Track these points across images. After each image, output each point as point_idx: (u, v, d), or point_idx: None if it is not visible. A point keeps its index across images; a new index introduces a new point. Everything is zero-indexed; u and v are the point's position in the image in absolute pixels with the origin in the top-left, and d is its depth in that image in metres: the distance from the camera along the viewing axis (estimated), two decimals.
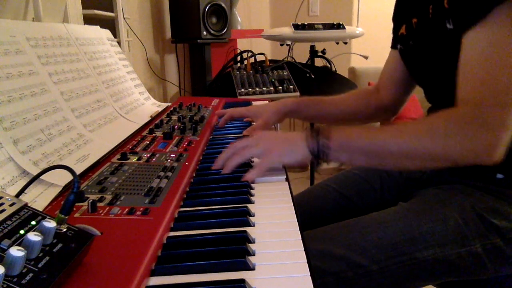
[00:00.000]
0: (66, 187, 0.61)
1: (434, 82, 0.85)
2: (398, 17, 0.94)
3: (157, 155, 0.77)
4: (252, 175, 0.70)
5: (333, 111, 1.07)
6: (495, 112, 0.63)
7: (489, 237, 0.71)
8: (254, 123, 1.02)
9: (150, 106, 1.22)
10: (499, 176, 0.75)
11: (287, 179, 0.72)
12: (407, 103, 1.05)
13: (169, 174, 0.68)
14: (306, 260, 0.46)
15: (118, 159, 0.75)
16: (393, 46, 1.00)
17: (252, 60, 1.79)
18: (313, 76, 1.76)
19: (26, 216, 0.41)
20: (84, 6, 1.37)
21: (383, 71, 1.06)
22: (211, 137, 0.99)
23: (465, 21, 0.67)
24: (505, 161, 0.75)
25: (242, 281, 0.42)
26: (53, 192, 0.59)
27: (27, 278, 0.34)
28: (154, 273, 0.45)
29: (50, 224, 0.39)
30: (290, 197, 0.64)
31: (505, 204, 0.73)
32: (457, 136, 0.64)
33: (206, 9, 2.15)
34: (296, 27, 1.94)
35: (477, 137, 0.63)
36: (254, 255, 0.48)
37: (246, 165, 0.74)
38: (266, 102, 1.41)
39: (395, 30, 0.95)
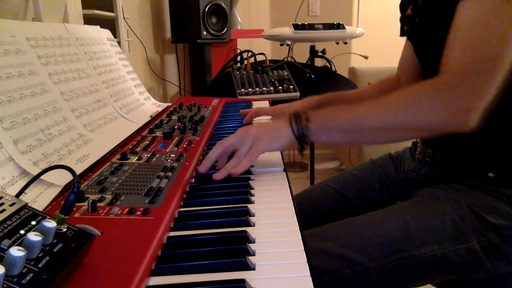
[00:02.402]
0: (66, 187, 0.61)
1: (435, 60, 0.85)
2: (405, 1, 0.94)
3: (157, 155, 0.77)
4: (243, 165, 0.70)
5: None
6: (472, 79, 0.62)
7: (485, 234, 0.71)
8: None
9: (150, 106, 1.22)
10: (491, 175, 0.76)
11: (287, 179, 0.72)
12: None
13: (169, 174, 0.68)
14: (306, 260, 0.46)
15: (118, 159, 0.75)
16: (402, 33, 1.00)
17: (252, 60, 1.78)
18: (313, 76, 1.76)
19: (26, 216, 0.41)
20: (84, 6, 1.36)
21: (400, 60, 1.06)
22: (211, 137, 0.99)
23: None
24: (495, 160, 0.75)
25: (242, 281, 0.42)
26: (53, 192, 0.59)
27: (27, 278, 0.34)
28: (154, 273, 0.45)
29: (50, 224, 0.39)
30: (290, 197, 0.64)
31: (500, 201, 0.73)
32: (430, 103, 0.64)
33: (206, 9, 2.15)
34: (296, 27, 1.94)
35: (452, 103, 0.63)
36: (254, 255, 0.48)
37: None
38: (267, 102, 1.41)
39: (402, 15, 0.96)
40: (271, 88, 1.56)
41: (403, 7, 0.96)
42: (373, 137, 0.71)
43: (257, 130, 0.74)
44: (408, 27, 0.93)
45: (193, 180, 0.72)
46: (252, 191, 0.67)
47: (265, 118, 1.15)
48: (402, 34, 1.00)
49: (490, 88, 0.62)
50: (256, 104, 1.36)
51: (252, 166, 0.76)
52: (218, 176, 0.70)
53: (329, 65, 2.14)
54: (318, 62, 2.12)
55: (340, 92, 1.10)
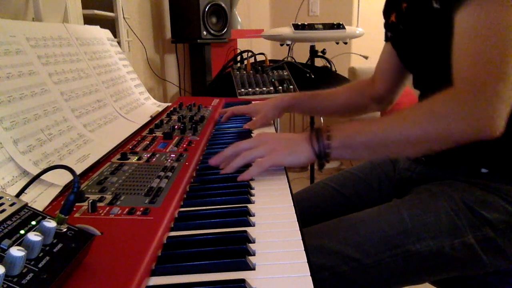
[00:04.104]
0: (66, 187, 0.61)
1: (423, 67, 0.86)
2: (388, 7, 0.95)
3: (157, 155, 0.77)
4: (253, 171, 0.70)
5: (328, 105, 1.10)
6: (490, 86, 0.63)
7: (481, 228, 0.71)
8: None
9: (150, 106, 1.22)
10: (484, 170, 0.76)
11: (287, 179, 0.72)
12: (401, 93, 1.08)
13: (169, 174, 0.68)
14: (306, 260, 0.46)
15: (118, 159, 0.75)
16: (386, 39, 1.02)
17: (252, 60, 1.78)
18: (313, 76, 1.76)
19: (26, 216, 0.41)
20: (84, 6, 1.36)
21: (377, 63, 1.08)
22: (211, 137, 0.99)
23: (451, 1, 0.67)
24: (488, 156, 0.76)
25: (242, 281, 0.42)
26: (53, 192, 0.59)
27: (27, 278, 0.34)
28: (154, 273, 0.45)
29: (50, 224, 0.39)
30: (290, 197, 0.64)
31: (494, 196, 0.74)
32: (456, 115, 0.65)
33: (206, 9, 2.15)
34: (296, 27, 1.94)
35: (476, 113, 0.64)
36: (254, 255, 0.48)
37: (247, 166, 0.74)
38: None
39: (386, 21, 0.97)
40: (271, 88, 1.56)
41: (386, 14, 0.97)
42: (399, 151, 0.71)
43: (275, 142, 0.74)
44: (392, 33, 0.94)
45: (193, 180, 0.72)
46: (252, 191, 0.67)
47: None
48: (386, 40, 1.02)
49: (509, 92, 0.62)
50: None
51: (251, 165, 0.76)
52: (226, 170, 0.72)
53: (329, 65, 2.14)
54: (318, 62, 2.12)
55: (315, 91, 1.12)
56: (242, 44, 2.69)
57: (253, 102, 1.37)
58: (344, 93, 1.11)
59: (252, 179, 0.72)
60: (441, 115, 0.66)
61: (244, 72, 1.65)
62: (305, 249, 0.49)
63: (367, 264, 0.70)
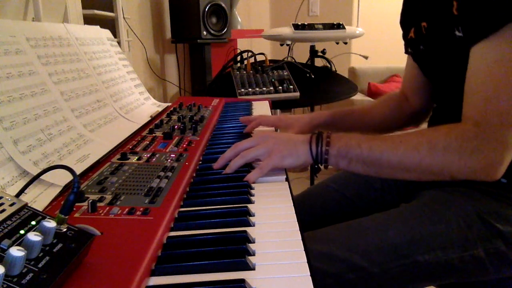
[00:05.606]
0: (66, 187, 0.61)
1: (444, 84, 0.85)
2: (406, 21, 0.93)
3: (157, 155, 0.77)
4: (253, 176, 0.70)
5: (367, 121, 1.06)
6: (496, 131, 0.62)
7: (492, 241, 0.70)
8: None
9: (150, 106, 1.22)
10: (503, 180, 0.74)
11: (287, 179, 0.72)
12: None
13: (169, 174, 0.68)
14: (306, 260, 0.46)
15: (118, 159, 0.75)
16: (406, 51, 0.98)
17: (252, 60, 1.78)
18: (313, 76, 1.76)
19: (26, 216, 0.41)
20: (84, 6, 1.37)
21: (404, 78, 1.05)
22: (211, 137, 0.99)
23: (475, 33, 0.66)
24: (509, 166, 0.74)
25: (242, 281, 0.42)
26: (53, 192, 0.59)
27: (27, 278, 0.34)
28: (154, 273, 0.45)
29: (50, 224, 0.39)
30: (290, 197, 0.64)
31: (509, 208, 0.72)
32: (456, 152, 0.64)
33: (206, 9, 2.15)
34: (296, 27, 1.94)
35: (477, 155, 0.63)
36: (254, 255, 0.48)
37: (247, 165, 0.75)
38: (267, 102, 1.41)
39: (405, 35, 0.94)
40: (271, 88, 1.56)
41: (404, 27, 0.94)
42: (392, 173, 0.71)
43: (275, 142, 0.74)
44: (412, 50, 0.92)
45: (193, 180, 0.73)
46: (252, 191, 0.67)
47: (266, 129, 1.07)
48: (406, 52, 0.98)
49: None
50: (256, 105, 1.36)
51: (252, 166, 0.76)
52: (227, 171, 0.72)
53: (329, 65, 2.14)
54: (318, 62, 2.12)
55: (350, 108, 1.08)
56: (242, 44, 2.70)
57: (253, 103, 1.38)
58: (382, 108, 1.07)
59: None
60: (441, 149, 0.65)
61: (244, 72, 1.65)
62: (305, 249, 0.49)
63: (374, 273, 0.69)
